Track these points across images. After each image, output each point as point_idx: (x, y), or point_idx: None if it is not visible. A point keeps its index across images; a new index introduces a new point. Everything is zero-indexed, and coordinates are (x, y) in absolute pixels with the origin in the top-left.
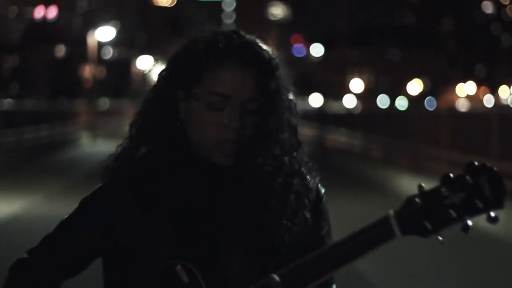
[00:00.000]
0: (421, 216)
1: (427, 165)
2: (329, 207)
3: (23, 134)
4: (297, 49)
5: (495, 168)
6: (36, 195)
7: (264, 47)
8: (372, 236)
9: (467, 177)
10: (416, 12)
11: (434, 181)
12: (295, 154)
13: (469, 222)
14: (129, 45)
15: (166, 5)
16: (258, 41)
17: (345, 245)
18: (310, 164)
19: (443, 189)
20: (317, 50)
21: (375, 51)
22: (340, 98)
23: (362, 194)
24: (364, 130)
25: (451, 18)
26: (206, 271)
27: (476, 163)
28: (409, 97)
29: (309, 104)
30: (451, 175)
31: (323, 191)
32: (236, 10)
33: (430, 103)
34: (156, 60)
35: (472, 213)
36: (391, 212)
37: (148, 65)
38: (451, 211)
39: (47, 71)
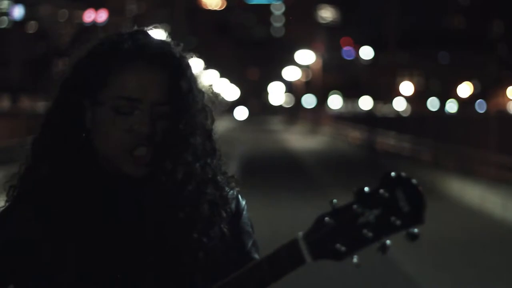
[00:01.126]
0: (333, 238)
1: (476, 168)
2: None
3: None
4: (347, 52)
5: (412, 179)
6: None
7: (175, 46)
8: (280, 263)
9: (382, 191)
10: (465, 15)
11: (482, 184)
12: (209, 161)
13: (387, 242)
14: None
15: (216, 8)
16: (168, 39)
17: (255, 271)
18: (228, 174)
19: (355, 206)
20: (366, 53)
21: (424, 54)
22: (390, 101)
23: None
24: (413, 133)
25: (501, 21)
26: None
27: (392, 173)
28: (459, 100)
29: (359, 107)
30: (366, 189)
31: (244, 202)
32: (285, 13)
33: (480, 106)
34: (205, 64)
35: (389, 232)
36: (300, 234)
37: (198, 69)
38: (366, 231)
39: None
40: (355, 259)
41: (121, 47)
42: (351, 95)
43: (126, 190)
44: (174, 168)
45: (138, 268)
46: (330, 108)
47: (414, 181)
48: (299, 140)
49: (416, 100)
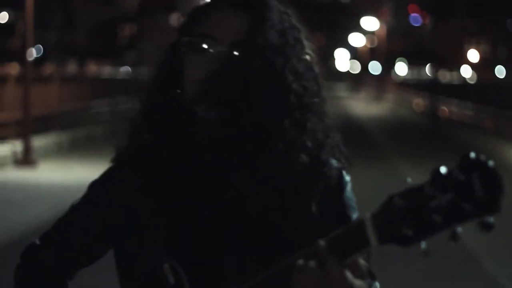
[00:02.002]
0: (401, 221)
1: None
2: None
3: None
4: (414, 18)
5: (490, 162)
6: None
7: None
8: (344, 244)
9: (458, 173)
10: None
11: None
12: (306, 113)
13: (459, 229)
14: None
15: None
16: None
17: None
18: (341, 147)
19: (428, 188)
20: (433, 19)
21: (492, 21)
22: (456, 68)
23: None
24: (476, 100)
25: None
26: (199, 271)
27: (471, 155)
28: None
29: (426, 74)
30: (442, 170)
31: (348, 178)
32: None
33: None
34: None
35: (461, 219)
36: (368, 214)
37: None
38: (435, 216)
39: (163, 39)
40: (423, 245)
41: None
42: (417, 62)
43: (220, 154)
44: (249, 107)
45: (229, 245)
46: (396, 75)
47: (491, 164)
48: (363, 107)
49: (483, 68)
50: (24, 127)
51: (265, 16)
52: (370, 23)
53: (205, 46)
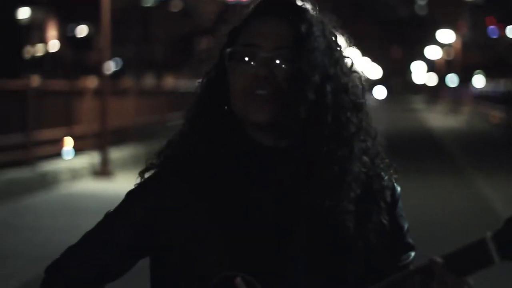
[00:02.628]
0: None
1: None
2: None
3: None
4: (492, 30)
5: None
6: None
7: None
8: (466, 262)
9: None
10: None
11: None
12: (349, 115)
13: None
14: None
15: None
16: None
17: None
18: (386, 158)
19: None
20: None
21: None
22: None
23: None
24: None
25: None
26: (268, 284)
27: None
28: None
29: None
30: None
31: (399, 189)
32: None
33: None
34: (348, 42)
35: None
36: (489, 234)
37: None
38: None
39: None
40: None
41: (256, 5)
42: (494, 75)
43: (273, 161)
44: (297, 108)
45: (295, 257)
46: (474, 87)
47: None
48: (439, 119)
49: None
50: (102, 139)
51: (310, 26)
52: (446, 35)
53: (249, 54)
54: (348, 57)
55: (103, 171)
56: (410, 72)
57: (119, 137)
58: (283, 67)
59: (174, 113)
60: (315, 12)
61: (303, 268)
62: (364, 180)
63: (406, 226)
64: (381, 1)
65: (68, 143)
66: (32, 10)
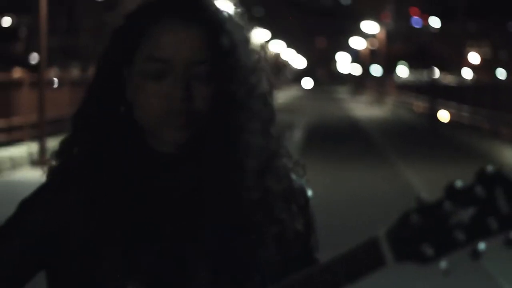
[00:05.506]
0: (419, 238)
1: None
2: (439, 177)
3: None
4: (415, 20)
5: None
6: None
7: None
8: (357, 264)
9: (478, 188)
10: None
11: None
12: (271, 130)
13: (481, 246)
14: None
15: None
16: None
17: (327, 273)
18: (293, 157)
19: (447, 203)
20: (434, 22)
21: (493, 24)
22: (457, 71)
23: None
24: (473, 103)
25: None
26: None
27: (489, 170)
28: None
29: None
30: (458, 185)
31: (310, 193)
32: None
33: None
34: (272, 33)
35: (484, 235)
36: (382, 232)
37: (264, 39)
38: (457, 233)
39: None
40: (443, 264)
41: (150, 2)
42: (417, 65)
43: (175, 170)
44: (217, 134)
45: (196, 265)
46: (398, 78)
47: None
48: (364, 109)
49: (484, 71)
50: (39, 130)
51: (222, 28)
52: (370, 26)
53: (162, 72)
54: (255, 50)
55: (41, 160)
56: (335, 62)
57: (56, 127)
58: (205, 89)
59: None
60: (223, 6)
61: (206, 275)
62: (270, 183)
63: (313, 238)
64: None
65: None
66: None
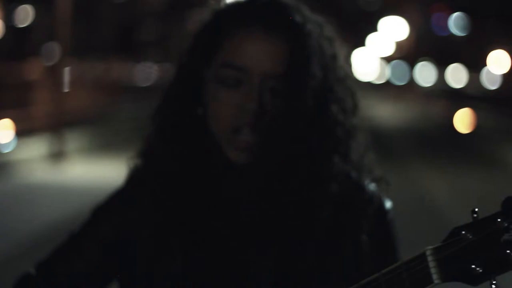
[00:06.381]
0: (469, 256)
1: None
2: (461, 185)
3: None
4: (437, 17)
5: None
6: None
7: (299, 8)
8: (401, 281)
9: None
10: None
11: None
12: (342, 151)
13: None
14: None
15: None
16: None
17: None
18: (375, 173)
19: (501, 220)
20: (458, 23)
21: None
22: (481, 74)
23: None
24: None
25: None
26: None
27: None
28: None
29: (449, 81)
30: None
31: (388, 205)
32: None
33: None
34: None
35: None
36: (429, 249)
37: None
38: (511, 252)
39: None
40: (494, 286)
41: (236, 8)
42: (442, 68)
43: (241, 182)
44: (283, 157)
45: (258, 278)
46: (419, 82)
47: None
48: (385, 110)
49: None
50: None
51: (305, 43)
52: (393, 25)
53: (236, 80)
54: (343, 66)
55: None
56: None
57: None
58: (275, 101)
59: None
60: (311, 20)
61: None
62: (342, 197)
63: (392, 257)
64: None
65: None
66: None
